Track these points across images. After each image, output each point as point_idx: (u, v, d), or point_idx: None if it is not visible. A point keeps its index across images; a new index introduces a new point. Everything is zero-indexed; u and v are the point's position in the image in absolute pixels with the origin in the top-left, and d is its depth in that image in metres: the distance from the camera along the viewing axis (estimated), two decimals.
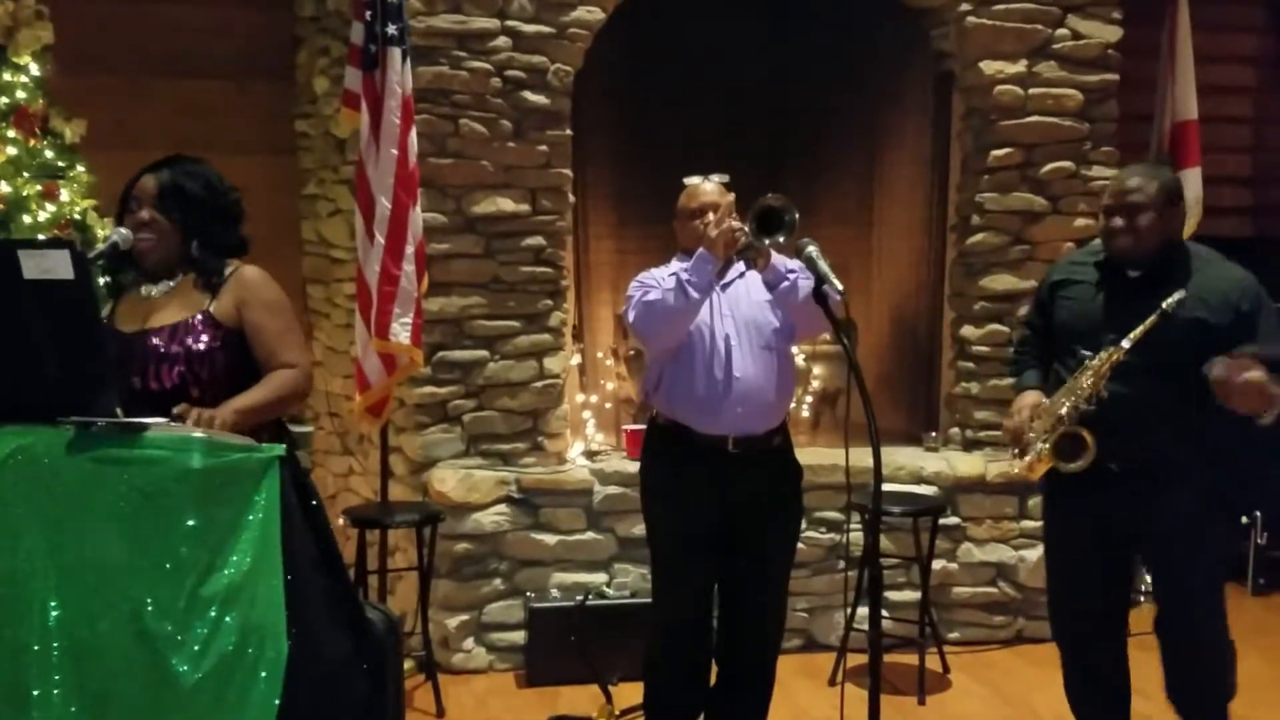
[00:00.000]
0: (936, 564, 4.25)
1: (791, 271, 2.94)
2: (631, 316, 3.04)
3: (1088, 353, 2.88)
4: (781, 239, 2.84)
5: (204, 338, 2.54)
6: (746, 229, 2.88)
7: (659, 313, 2.95)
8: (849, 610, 4.04)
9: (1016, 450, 2.98)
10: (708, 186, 3.12)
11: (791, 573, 3.24)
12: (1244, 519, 5.00)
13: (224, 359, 2.55)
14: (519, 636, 4.12)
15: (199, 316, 2.56)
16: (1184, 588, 2.94)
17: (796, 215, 2.82)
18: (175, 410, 2.38)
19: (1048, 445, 2.89)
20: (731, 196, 3.01)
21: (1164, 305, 2.77)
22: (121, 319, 2.61)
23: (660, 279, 3.05)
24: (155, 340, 2.53)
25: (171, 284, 2.64)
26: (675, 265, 3.11)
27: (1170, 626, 2.98)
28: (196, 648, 2.19)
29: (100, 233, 3.71)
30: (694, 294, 2.89)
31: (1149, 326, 2.79)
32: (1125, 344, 2.82)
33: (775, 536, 3.14)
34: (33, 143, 3.72)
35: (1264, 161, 5.78)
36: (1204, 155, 4.91)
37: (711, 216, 2.98)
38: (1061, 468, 2.88)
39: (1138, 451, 2.89)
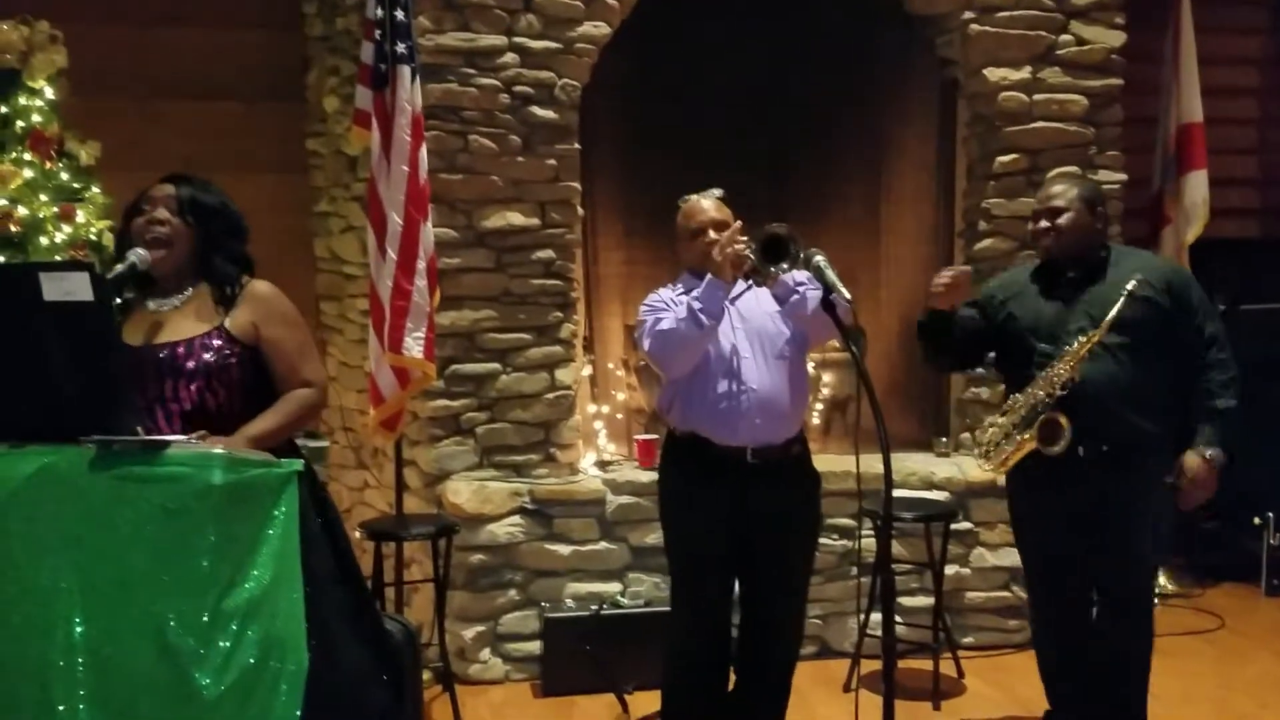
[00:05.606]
0: (949, 569, 4.25)
1: (800, 285, 2.95)
2: (646, 345, 3.02)
3: (1048, 347, 3.09)
4: (786, 266, 2.81)
5: (221, 353, 2.52)
6: (750, 253, 2.84)
7: (674, 341, 2.94)
8: (863, 616, 4.05)
9: (982, 451, 3.21)
10: (705, 203, 3.11)
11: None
12: (1256, 520, 5.00)
13: (240, 375, 2.54)
14: (535, 647, 4.14)
15: (215, 331, 2.54)
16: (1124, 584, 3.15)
17: (801, 244, 2.78)
18: (189, 437, 2.38)
19: (1028, 434, 3.06)
20: (739, 224, 2.92)
21: (1128, 287, 3.02)
22: (128, 334, 2.57)
23: (669, 300, 3.05)
24: (166, 354, 2.50)
25: (180, 299, 2.60)
26: (683, 285, 3.12)
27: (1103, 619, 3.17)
28: (219, 661, 2.21)
29: None
30: (707, 321, 2.88)
31: (1120, 309, 3.00)
32: (1103, 327, 3.02)
33: (795, 546, 3.14)
34: (49, 165, 3.77)
35: (1270, 163, 5.78)
36: (1210, 157, 4.93)
37: (713, 235, 2.98)
38: (1044, 451, 3.05)
39: (1110, 431, 3.05)
